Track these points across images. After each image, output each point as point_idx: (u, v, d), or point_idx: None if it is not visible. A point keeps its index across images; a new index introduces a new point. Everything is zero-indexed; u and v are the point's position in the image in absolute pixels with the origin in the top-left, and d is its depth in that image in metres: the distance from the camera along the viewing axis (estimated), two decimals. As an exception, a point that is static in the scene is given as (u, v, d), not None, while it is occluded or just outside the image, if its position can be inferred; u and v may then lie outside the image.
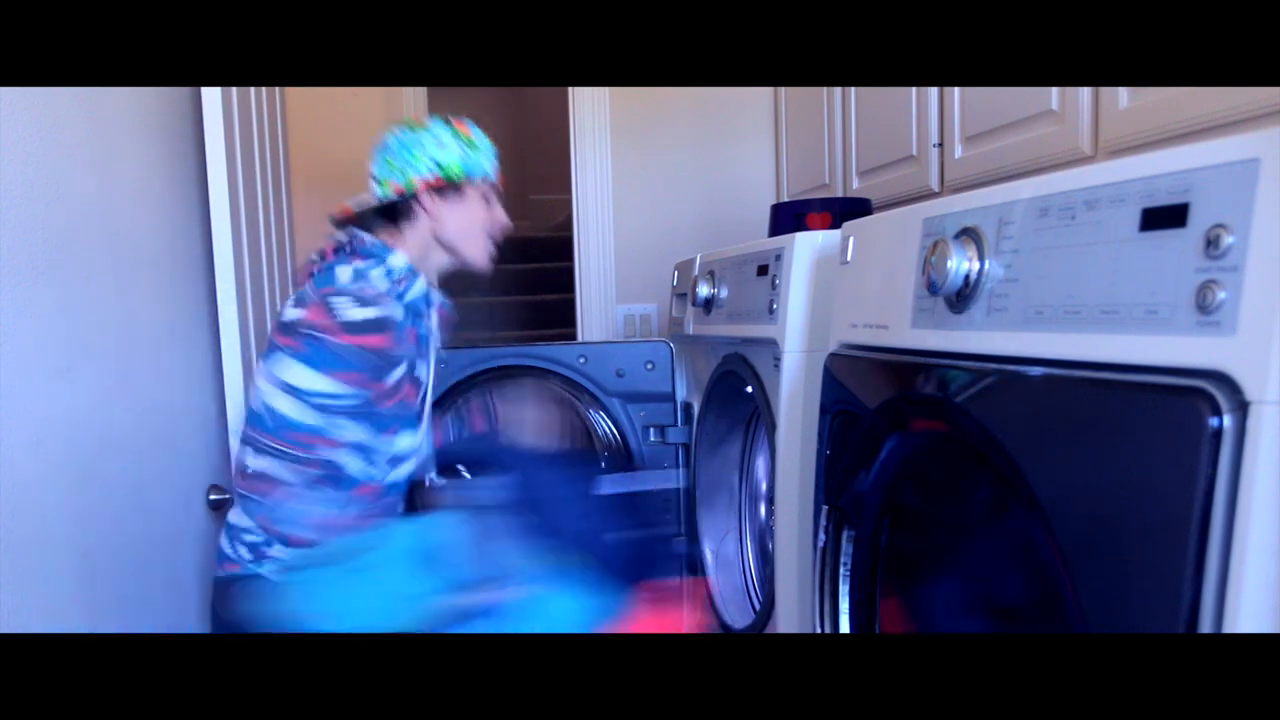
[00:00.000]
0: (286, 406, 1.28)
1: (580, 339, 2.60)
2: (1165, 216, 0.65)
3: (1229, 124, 1.03)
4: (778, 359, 1.38)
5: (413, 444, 1.48)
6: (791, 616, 1.38)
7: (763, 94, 2.57)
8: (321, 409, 1.29)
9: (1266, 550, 0.57)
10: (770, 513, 1.81)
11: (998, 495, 0.82)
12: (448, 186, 1.42)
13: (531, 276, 4.35)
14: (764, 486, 1.90)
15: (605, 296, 2.60)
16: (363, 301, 1.29)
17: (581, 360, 1.91)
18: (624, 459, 1.94)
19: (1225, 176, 0.61)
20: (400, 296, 1.37)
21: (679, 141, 2.58)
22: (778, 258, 1.41)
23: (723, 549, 1.89)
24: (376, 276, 1.35)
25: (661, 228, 2.58)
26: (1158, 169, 0.67)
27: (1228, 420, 0.58)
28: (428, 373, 1.49)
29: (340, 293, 1.29)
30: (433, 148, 1.41)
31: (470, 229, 1.45)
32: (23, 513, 1.14)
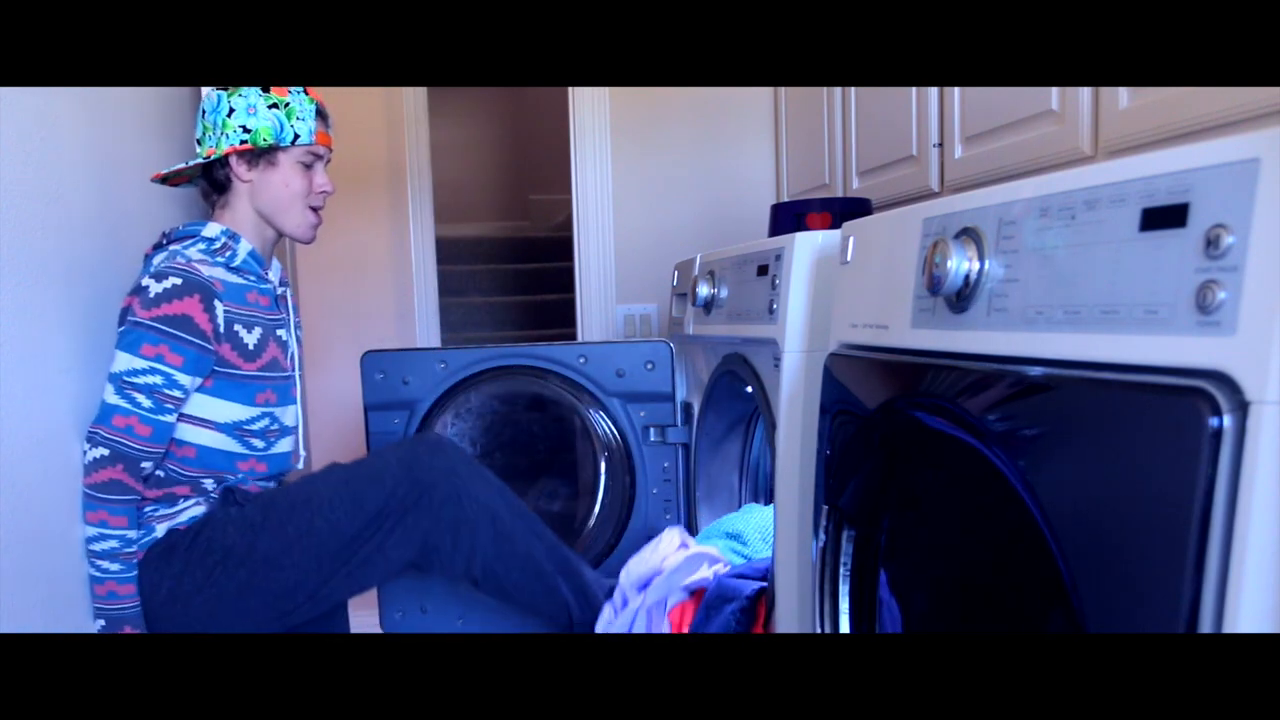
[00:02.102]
0: (110, 397, 1.31)
1: (580, 339, 2.60)
2: (1165, 216, 0.65)
3: (1229, 124, 1.03)
4: (778, 359, 1.38)
5: (294, 419, 1.52)
6: (791, 616, 1.38)
7: (763, 94, 2.57)
8: (146, 390, 1.31)
9: (1266, 550, 0.57)
10: (770, 513, 1.81)
11: (997, 495, 0.82)
12: (257, 154, 1.40)
13: (531, 276, 4.35)
14: (764, 486, 1.90)
15: (605, 296, 2.60)
16: (161, 275, 1.33)
17: (581, 360, 1.91)
18: (624, 459, 1.94)
19: (1225, 176, 0.61)
20: (229, 263, 1.41)
21: (679, 141, 2.58)
22: (778, 258, 1.41)
23: (723, 549, 1.89)
24: (193, 253, 1.38)
25: (661, 228, 2.58)
26: (1158, 169, 0.67)
27: (1228, 420, 0.58)
28: (290, 336, 1.52)
29: (147, 275, 1.35)
30: (242, 114, 1.38)
31: (284, 198, 1.44)
32: (23, 513, 1.14)
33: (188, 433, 1.40)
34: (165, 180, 1.49)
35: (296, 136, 1.41)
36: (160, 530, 1.38)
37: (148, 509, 1.39)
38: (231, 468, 1.43)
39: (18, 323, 1.15)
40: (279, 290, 1.52)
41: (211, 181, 1.45)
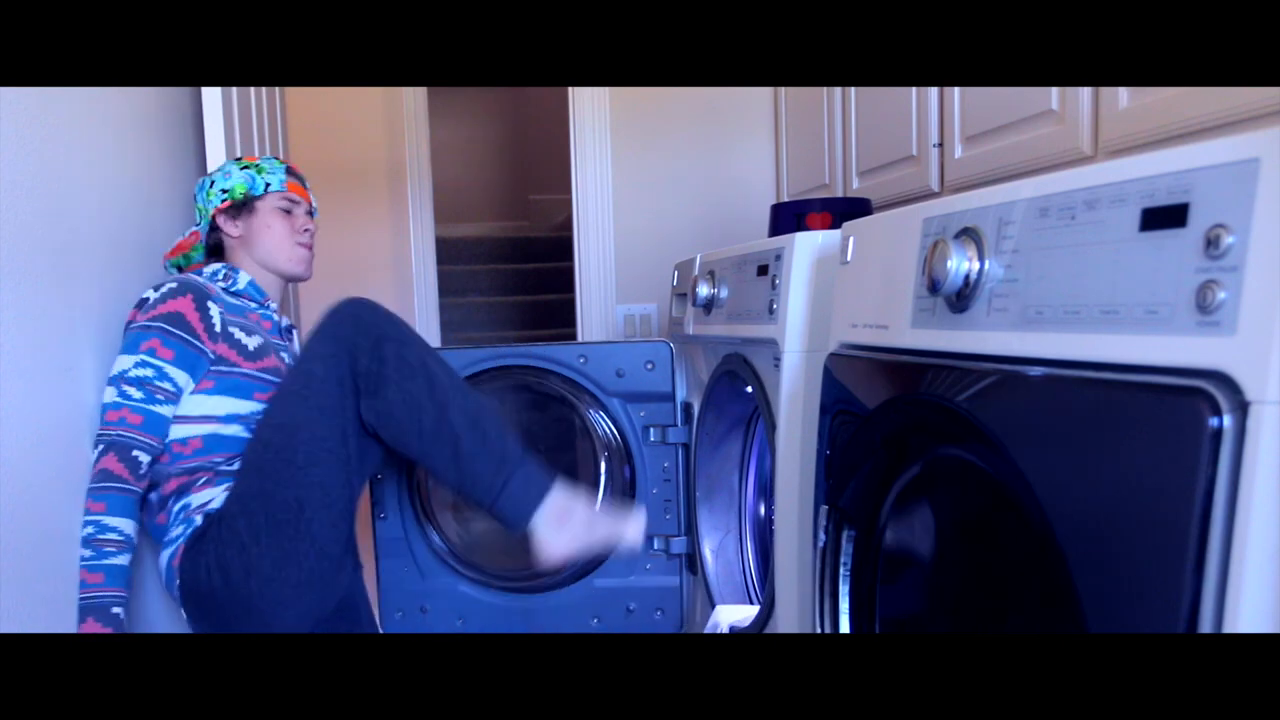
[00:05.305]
0: (106, 396, 1.36)
1: (580, 339, 2.59)
2: (1165, 216, 0.65)
3: (1229, 124, 1.03)
4: (778, 359, 1.38)
5: None
6: (791, 616, 1.38)
7: (763, 94, 2.57)
8: (136, 384, 1.36)
9: (1266, 550, 0.57)
10: (770, 512, 1.81)
11: (997, 495, 0.82)
12: (237, 207, 1.57)
13: (531, 276, 4.35)
14: (764, 486, 1.90)
15: (605, 296, 2.60)
16: (160, 285, 1.44)
17: (581, 360, 1.91)
18: (624, 459, 1.94)
19: (1225, 176, 0.61)
20: (229, 288, 1.54)
21: (679, 141, 2.58)
22: (778, 258, 1.41)
23: (722, 548, 1.89)
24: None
25: (661, 228, 2.58)
26: (1158, 169, 0.67)
27: (1228, 420, 0.58)
28: (291, 359, 1.62)
29: (149, 289, 1.46)
30: (220, 180, 1.58)
31: (271, 240, 1.59)
32: (23, 513, 1.14)
33: (191, 429, 1.42)
34: (183, 264, 1.63)
35: (268, 185, 1.58)
36: (199, 519, 1.40)
37: (177, 507, 1.40)
38: (241, 450, 1.45)
39: (19, 323, 1.15)
40: (284, 323, 1.63)
41: (210, 250, 1.61)
